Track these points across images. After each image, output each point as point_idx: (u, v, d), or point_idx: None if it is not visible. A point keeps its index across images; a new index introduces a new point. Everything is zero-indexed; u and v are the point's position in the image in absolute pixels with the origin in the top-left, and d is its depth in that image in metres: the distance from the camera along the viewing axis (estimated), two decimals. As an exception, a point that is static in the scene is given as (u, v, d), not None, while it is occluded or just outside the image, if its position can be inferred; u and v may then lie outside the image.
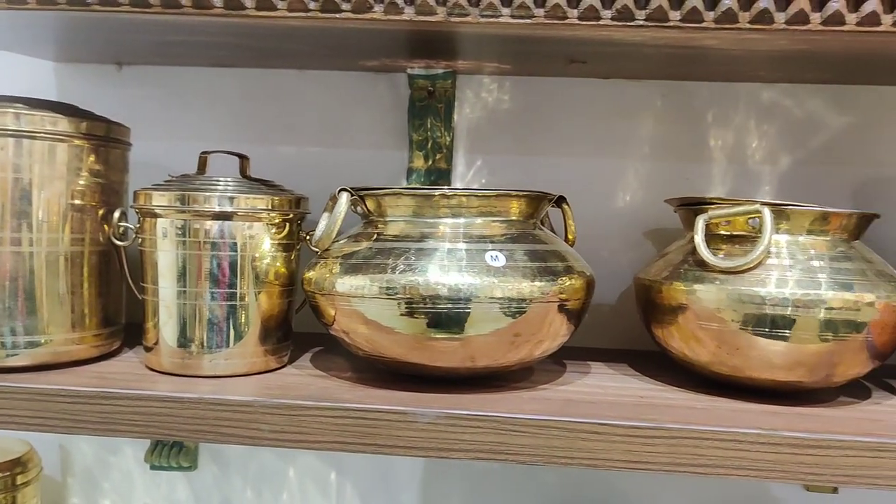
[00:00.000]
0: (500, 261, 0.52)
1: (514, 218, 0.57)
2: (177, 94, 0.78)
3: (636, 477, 0.77)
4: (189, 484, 0.83)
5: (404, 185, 0.74)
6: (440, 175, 0.72)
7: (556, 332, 0.56)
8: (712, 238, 0.59)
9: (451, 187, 0.73)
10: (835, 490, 0.75)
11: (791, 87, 0.73)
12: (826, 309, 0.53)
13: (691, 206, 0.60)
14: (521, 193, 0.56)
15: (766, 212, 0.54)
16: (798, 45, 0.55)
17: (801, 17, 0.50)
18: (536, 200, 0.57)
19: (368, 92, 0.75)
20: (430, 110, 0.71)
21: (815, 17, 0.50)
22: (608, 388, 0.58)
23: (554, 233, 0.61)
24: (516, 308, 0.52)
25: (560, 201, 0.62)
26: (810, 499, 0.76)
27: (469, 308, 0.51)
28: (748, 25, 0.50)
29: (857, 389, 0.61)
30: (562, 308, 0.55)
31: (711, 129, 0.74)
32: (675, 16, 0.50)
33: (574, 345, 0.76)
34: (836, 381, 0.56)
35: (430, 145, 0.72)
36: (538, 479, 0.79)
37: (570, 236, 0.62)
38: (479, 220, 0.54)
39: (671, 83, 0.74)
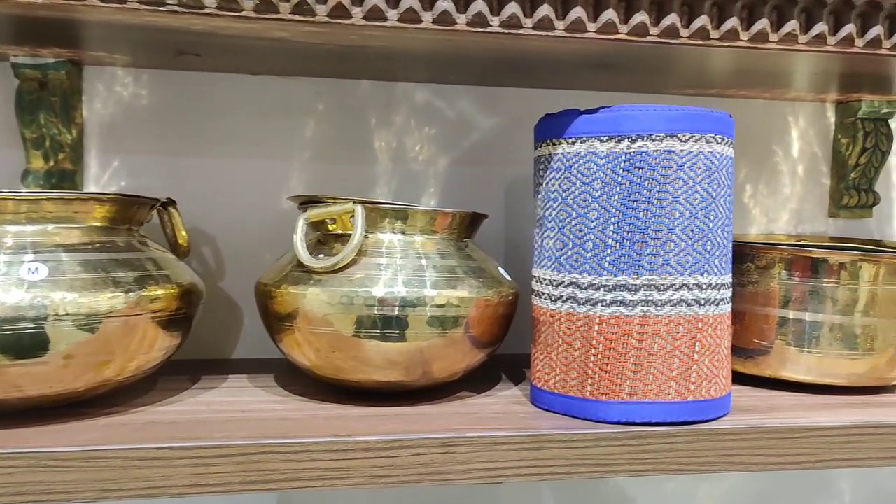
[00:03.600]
0: (41, 273, 0.46)
1: (96, 224, 0.51)
2: None
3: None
4: None
5: (19, 188, 0.65)
6: (63, 177, 0.65)
7: (149, 346, 0.51)
8: (328, 239, 0.57)
9: None
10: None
11: (442, 88, 0.74)
12: (431, 307, 0.53)
13: (306, 205, 0.58)
14: (103, 197, 0.51)
15: (359, 210, 0.53)
16: (443, 45, 0.54)
17: (448, 19, 0.48)
18: (125, 205, 0.52)
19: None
20: (42, 104, 0.63)
21: (461, 18, 0.49)
22: (215, 405, 0.54)
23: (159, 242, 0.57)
24: (86, 324, 0.47)
25: (168, 205, 0.57)
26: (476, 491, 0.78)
27: (32, 329, 0.45)
28: (396, 22, 0.48)
29: (482, 382, 0.63)
30: (155, 320, 0.50)
31: (374, 129, 0.73)
32: (285, 7, 0.47)
33: (243, 356, 0.72)
34: (440, 377, 0.56)
35: (48, 144, 0.64)
36: None
37: (181, 242, 0.58)
38: (30, 228, 0.48)
39: (329, 81, 0.72)
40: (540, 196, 0.56)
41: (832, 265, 0.60)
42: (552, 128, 0.55)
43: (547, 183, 0.55)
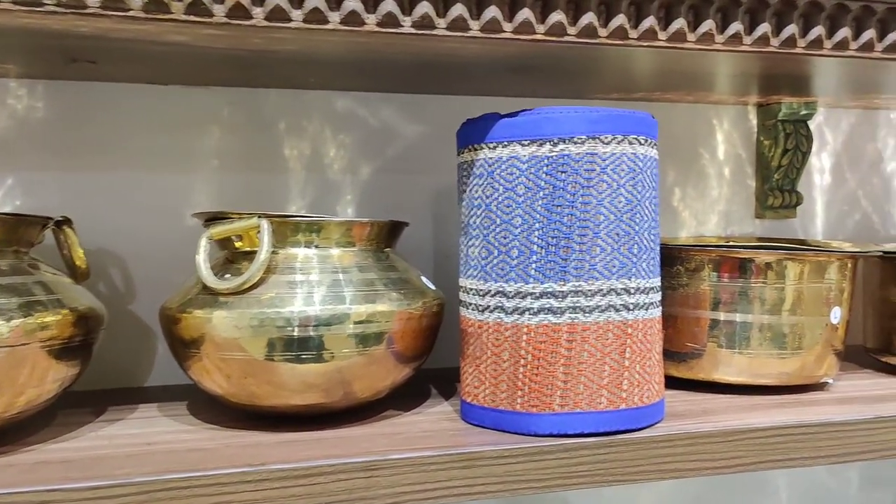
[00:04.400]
0: None
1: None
2: None
3: None
4: None
5: None
6: (-50, 198, 0.60)
7: (40, 378, 0.47)
8: (236, 257, 0.54)
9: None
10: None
11: (364, 96, 0.72)
12: (350, 324, 0.51)
13: (211, 222, 0.55)
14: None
15: (265, 225, 0.50)
16: (354, 49, 0.52)
17: (356, 20, 0.46)
18: (11, 226, 0.48)
19: None
20: (-76, 120, 0.58)
21: (371, 19, 0.46)
22: (118, 438, 0.50)
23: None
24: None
25: (62, 224, 0.53)
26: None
27: None
28: (301, 23, 0.45)
29: (411, 399, 0.60)
30: (46, 349, 0.46)
31: (286, 138, 0.70)
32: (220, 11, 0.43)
33: (157, 383, 0.69)
34: (363, 396, 0.53)
35: (-68, 163, 0.59)
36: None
37: (78, 264, 0.54)
38: None
39: (239, 90, 0.69)
40: (464, 203, 0.54)
41: (759, 265, 0.60)
42: (473, 133, 0.53)
43: (470, 190, 0.53)
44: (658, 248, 0.54)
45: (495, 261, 0.52)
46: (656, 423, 0.53)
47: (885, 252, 0.67)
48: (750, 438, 0.53)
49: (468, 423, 0.54)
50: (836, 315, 0.62)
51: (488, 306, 0.52)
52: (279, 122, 0.70)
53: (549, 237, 0.50)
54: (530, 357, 0.50)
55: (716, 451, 0.52)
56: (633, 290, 0.51)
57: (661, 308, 0.54)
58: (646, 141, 0.52)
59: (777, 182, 0.81)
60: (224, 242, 0.54)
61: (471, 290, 0.53)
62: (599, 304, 0.50)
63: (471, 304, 0.53)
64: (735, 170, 0.82)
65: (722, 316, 0.61)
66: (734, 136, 0.82)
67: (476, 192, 0.53)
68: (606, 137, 0.50)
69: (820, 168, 0.85)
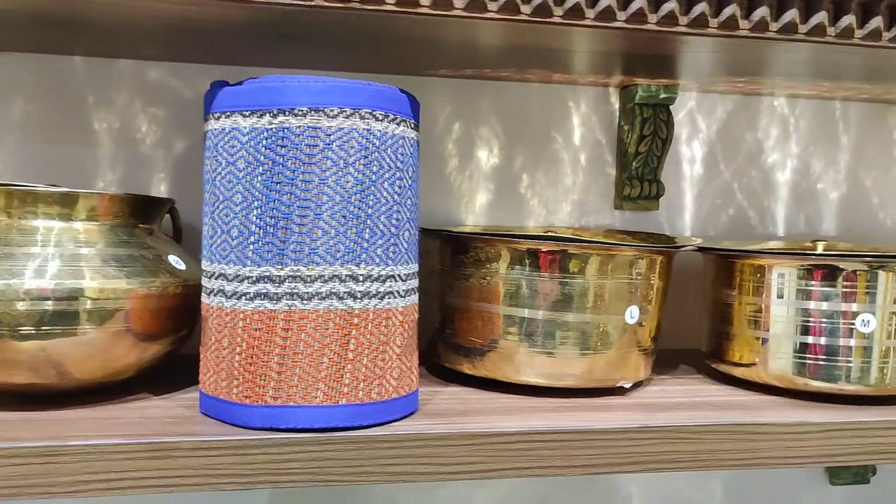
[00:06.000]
0: None
1: None
2: None
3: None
4: None
5: None
6: None
7: None
8: None
9: None
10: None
11: (177, 66, 0.69)
12: (87, 300, 0.48)
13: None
14: None
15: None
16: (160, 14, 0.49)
17: None
18: None
19: None
20: None
21: None
22: None
23: None
24: None
25: None
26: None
27: None
28: None
29: (165, 384, 0.57)
30: None
31: (94, 110, 0.67)
32: None
33: None
34: (98, 376, 0.50)
35: None
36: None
37: None
38: None
39: (45, 58, 0.66)
40: (204, 179, 0.51)
41: (545, 258, 0.55)
42: (208, 102, 0.50)
43: (205, 164, 0.50)
44: (408, 234, 0.50)
45: (218, 241, 0.48)
46: (393, 420, 0.50)
47: (688, 247, 0.62)
48: (490, 444, 0.49)
49: (203, 413, 0.51)
50: (633, 314, 0.57)
51: (213, 290, 0.49)
52: (87, 93, 0.67)
53: (268, 217, 0.47)
54: (245, 345, 0.47)
55: (449, 456, 0.48)
56: (362, 278, 0.47)
57: (409, 298, 0.51)
58: (384, 116, 0.48)
59: (636, 171, 0.76)
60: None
61: (204, 271, 0.50)
62: (320, 290, 0.47)
63: (204, 287, 0.50)
64: (593, 156, 0.78)
65: (508, 311, 0.57)
66: (593, 119, 0.77)
67: (207, 166, 0.49)
68: (332, 110, 0.46)
69: (690, 157, 0.80)
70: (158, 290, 0.51)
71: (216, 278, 0.48)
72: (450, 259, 0.60)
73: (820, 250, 0.66)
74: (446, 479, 0.49)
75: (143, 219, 0.55)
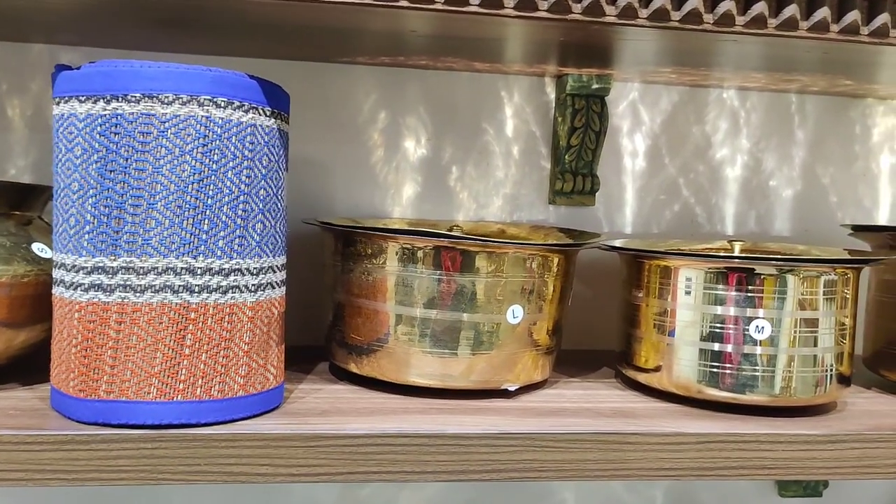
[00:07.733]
0: None
1: None
2: None
3: None
4: None
5: None
6: None
7: None
8: None
9: None
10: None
11: (91, 52, 0.68)
12: None
13: None
14: None
15: None
16: None
17: None
18: None
19: None
20: None
21: None
22: None
23: None
24: None
25: None
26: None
27: None
28: None
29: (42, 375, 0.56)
30: None
31: (6, 96, 0.67)
32: None
33: None
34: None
35: None
36: None
37: None
38: None
39: (-40, 44, 0.67)
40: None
41: (423, 254, 0.53)
42: (55, 87, 0.48)
43: (53, 151, 0.49)
44: (263, 227, 0.48)
45: (59, 230, 0.47)
46: (240, 419, 0.48)
47: (588, 245, 0.59)
48: (334, 446, 0.46)
49: (52, 407, 0.50)
50: (517, 314, 0.54)
51: (57, 280, 0.48)
52: (1, 80, 0.67)
53: (102, 206, 0.45)
54: (80, 337, 0.46)
55: (290, 457, 0.46)
56: (200, 271, 0.46)
57: (265, 293, 0.48)
58: (228, 104, 0.46)
59: (569, 164, 0.73)
60: None
61: (53, 262, 0.49)
62: (153, 283, 0.45)
63: (53, 276, 0.49)
64: (526, 149, 0.74)
65: (390, 308, 0.54)
66: (527, 110, 0.74)
67: (54, 153, 0.48)
68: (167, 97, 0.45)
69: (632, 151, 0.76)
70: (10, 279, 0.50)
71: (58, 268, 0.47)
72: (337, 253, 0.58)
73: (736, 252, 0.62)
74: (287, 480, 0.46)
75: (20, 206, 0.54)
